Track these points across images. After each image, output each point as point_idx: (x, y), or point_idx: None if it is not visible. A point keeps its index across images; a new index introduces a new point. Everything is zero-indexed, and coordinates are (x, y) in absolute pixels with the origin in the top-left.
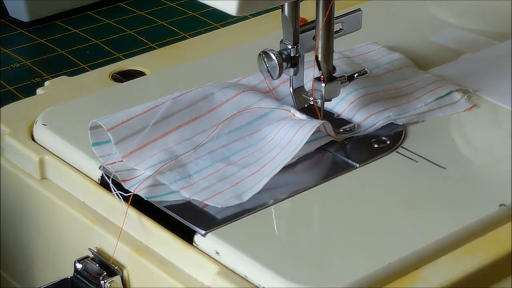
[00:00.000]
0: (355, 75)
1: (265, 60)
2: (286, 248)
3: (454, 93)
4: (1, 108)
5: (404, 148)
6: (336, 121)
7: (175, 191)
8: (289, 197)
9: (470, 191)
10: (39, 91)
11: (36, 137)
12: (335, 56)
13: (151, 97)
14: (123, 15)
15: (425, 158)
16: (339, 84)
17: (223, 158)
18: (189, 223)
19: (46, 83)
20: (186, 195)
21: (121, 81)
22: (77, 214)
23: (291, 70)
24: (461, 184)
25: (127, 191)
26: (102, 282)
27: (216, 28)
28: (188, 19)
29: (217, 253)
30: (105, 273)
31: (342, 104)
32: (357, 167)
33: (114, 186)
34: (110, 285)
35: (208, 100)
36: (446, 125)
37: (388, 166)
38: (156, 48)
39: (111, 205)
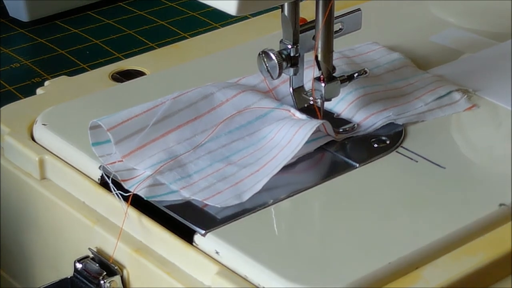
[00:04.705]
0: (355, 75)
1: (265, 60)
2: (286, 248)
3: (454, 93)
4: (1, 108)
5: (404, 148)
6: (336, 121)
7: (175, 191)
8: (289, 197)
9: (470, 191)
10: (39, 91)
11: (36, 137)
12: (335, 56)
13: (151, 97)
14: (123, 15)
15: (425, 158)
16: (339, 84)
17: (223, 158)
18: (189, 223)
19: (46, 83)
20: (186, 195)
21: (121, 81)
22: (77, 214)
23: (291, 70)
24: (461, 184)
25: (127, 191)
26: (102, 282)
27: (216, 28)
28: (188, 19)
29: (217, 253)
30: (105, 273)
31: (342, 104)
32: (357, 167)
33: (114, 186)
34: (110, 285)
35: (208, 100)
36: (446, 125)
37: (388, 166)
38: (156, 48)
39: (111, 205)
